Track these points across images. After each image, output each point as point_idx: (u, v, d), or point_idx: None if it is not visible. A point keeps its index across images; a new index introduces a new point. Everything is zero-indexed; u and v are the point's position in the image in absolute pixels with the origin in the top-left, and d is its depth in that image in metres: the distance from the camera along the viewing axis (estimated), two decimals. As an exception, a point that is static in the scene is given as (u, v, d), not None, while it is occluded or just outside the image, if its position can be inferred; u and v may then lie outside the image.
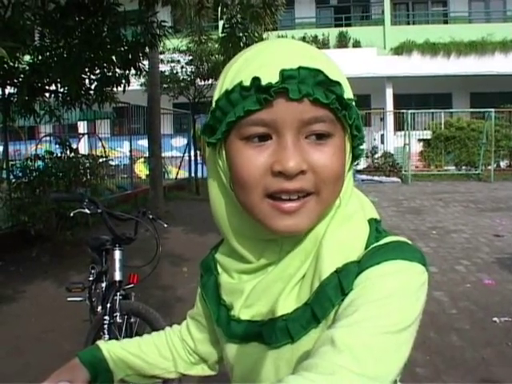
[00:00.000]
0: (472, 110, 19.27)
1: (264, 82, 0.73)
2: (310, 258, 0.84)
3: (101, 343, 1.11)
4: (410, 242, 0.83)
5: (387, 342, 0.69)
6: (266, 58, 0.77)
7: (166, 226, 3.55)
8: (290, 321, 0.82)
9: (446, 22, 22.69)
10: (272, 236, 0.83)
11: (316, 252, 0.83)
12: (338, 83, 0.76)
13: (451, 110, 19.60)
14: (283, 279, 0.84)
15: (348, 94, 0.78)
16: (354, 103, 0.79)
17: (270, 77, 0.74)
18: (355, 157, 0.85)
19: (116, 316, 3.15)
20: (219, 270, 0.97)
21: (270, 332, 0.84)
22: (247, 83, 0.75)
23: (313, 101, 0.74)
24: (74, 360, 1.06)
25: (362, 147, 0.85)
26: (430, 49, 20.34)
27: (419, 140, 18.35)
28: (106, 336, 3.08)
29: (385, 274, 0.76)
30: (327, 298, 0.79)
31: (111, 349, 1.09)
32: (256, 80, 0.74)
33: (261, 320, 0.86)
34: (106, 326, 3.12)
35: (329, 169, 0.77)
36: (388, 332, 0.69)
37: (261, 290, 0.86)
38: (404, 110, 17.63)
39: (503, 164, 18.43)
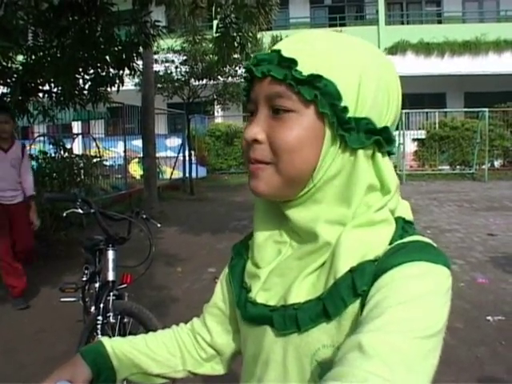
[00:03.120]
0: (466, 109, 19.30)
1: (246, 66, 0.89)
2: (328, 252, 0.84)
3: (105, 339, 1.07)
4: (434, 244, 0.82)
5: (417, 348, 0.68)
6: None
7: (159, 225, 3.54)
8: (300, 310, 0.84)
9: (440, 22, 22.74)
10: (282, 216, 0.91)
11: (334, 247, 0.84)
12: (291, 60, 0.81)
13: (445, 110, 19.62)
14: (298, 268, 0.87)
15: (317, 71, 0.80)
16: (328, 81, 0.80)
17: (251, 61, 0.88)
18: (346, 141, 0.82)
19: (109, 316, 3.14)
20: (249, 255, 1.00)
21: (280, 318, 0.86)
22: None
23: (272, 77, 0.83)
24: (76, 357, 1.02)
25: (352, 132, 0.81)
26: (424, 48, 20.39)
27: (413, 139, 18.37)
28: (100, 336, 3.07)
29: (411, 275, 0.75)
30: (340, 296, 0.80)
31: (116, 346, 1.06)
32: (245, 65, 0.90)
33: (273, 305, 0.89)
34: (99, 327, 3.11)
35: (279, 140, 0.82)
36: (417, 337, 0.68)
37: (277, 274, 0.90)
38: (398, 110, 17.60)
39: (497, 163, 18.46)
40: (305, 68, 0.80)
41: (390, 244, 0.82)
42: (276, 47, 0.85)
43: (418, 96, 20.70)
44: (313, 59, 0.81)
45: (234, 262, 1.04)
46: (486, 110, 16.97)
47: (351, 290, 0.79)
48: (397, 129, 0.88)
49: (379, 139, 0.83)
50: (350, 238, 0.82)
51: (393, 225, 0.85)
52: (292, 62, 0.81)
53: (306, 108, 0.82)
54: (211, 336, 1.11)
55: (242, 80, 14.43)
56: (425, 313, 0.71)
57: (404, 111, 17.07)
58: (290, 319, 0.84)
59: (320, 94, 0.80)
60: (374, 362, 0.65)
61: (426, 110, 18.65)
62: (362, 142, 0.82)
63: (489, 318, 4.71)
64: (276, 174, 0.84)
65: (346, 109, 0.80)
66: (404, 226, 0.85)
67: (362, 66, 0.83)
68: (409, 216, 0.89)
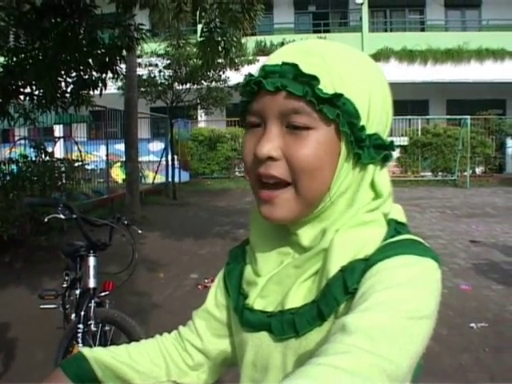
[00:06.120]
0: (448, 116, 19.51)
1: (252, 77, 0.84)
2: (322, 256, 0.85)
3: (86, 351, 1.02)
4: (423, 241, 0.83)
5: (401, 325, 0.67)
6: (269, 58, 0.86)
7: (140, 232, 3.50)
8: (297, 315, 0.84)
9: (422, 30, 22.96)
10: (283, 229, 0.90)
11: (327, 250, 0.84)
12: (313, 77, 0.78)
13: (428, 117, 19.82)
14: (296, 275, 0.87)
15: (335, 89, 0.79)
16: (347, 100, 0.80)
17: (258, 73, 0.83)
18: (360, 157, 0.83)
19: (90, 324, 3.08)
20: (247, 260, 0.99)
21: (278, 324, 0.86)
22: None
23: (288, 93, 0.79)
24: (57, 371, 0.97)
25: (366, 149, 0.82)
26: (408, 56, 20.56)
27: (396, 146, 18.45)
28: (80, 345, 3.01)
29: (397, 265, 0.76)
30: (332, 296, 0.80)
31: (98, 357, 1.00)
32: (248, 76, 0.85)
33: (271, 311, 0.88)
34: (79, 335, 3.04)
35: (298, 159, 0.80)
36: (402, 317, 0.68)
37: (275, 282, 0.89)
38: (381, 117, 17.71)
39: (479, 170, 18.68)
40: (325, 86, 0.79)
41: (382, 244, 0.83)
42: (285, 59, 0.81)
43: (401, 103, 20.81)
44: (329, 76, 0.80)
45: (231, 267, 1.03)
46: (468, 117, 17.19)
47: (343, 288, 0.79)
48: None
49: (388, 153, 0.85)
50: (342, 240, 0.83)
51: (384, 227, 0.85)
52: (313, 79, 0.78)
53: (325, 126, 0.81)
54: (201, 340, 1.06)
55: (226, 85, 14.52)
56: (411, 296, 0.71)
57: (387, 118, 17.14)
58: (288, 324, 0.84)
59: (341, 112, 0.79)
60: (357, 336, 0.65)
61: (408, 117, 18.79)
62: (373, 157, 0.83)
63: (472, 324, 4.71)
64: (295, 197, 0.82)
65: (363, 128, 0.81)
66: (396, 228, 0.86)
67: (370, 82, 0.84)
68: (401, 218, 0.89)
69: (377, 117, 0.83)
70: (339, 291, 0.80)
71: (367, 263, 0.79)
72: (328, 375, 0.60)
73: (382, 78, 0.87)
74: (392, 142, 0.86)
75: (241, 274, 0.99)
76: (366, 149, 0.82)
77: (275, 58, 0.83)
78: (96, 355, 1.01)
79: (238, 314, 0.95)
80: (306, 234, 0.87)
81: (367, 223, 0.84)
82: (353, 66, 0.83)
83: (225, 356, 1.07)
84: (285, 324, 0.85)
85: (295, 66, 0.79)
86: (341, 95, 0.79)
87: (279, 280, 0.88)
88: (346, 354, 0.62)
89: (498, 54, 20.36)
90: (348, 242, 0.82)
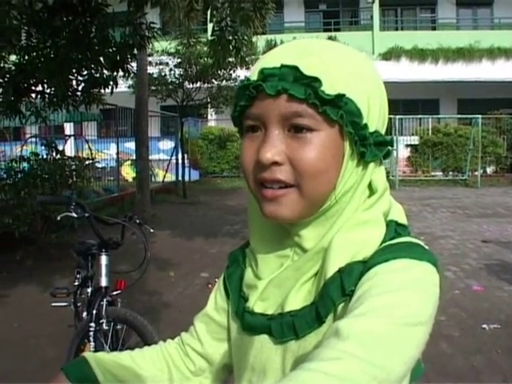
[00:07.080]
0: (459, 116, 19.41)
1: (250, 81, 0.81)
2: (321, 256, 0.85)
3: (88, 355, 1.01)
4: (422, 243, 0.82)
5: (395, 332, 0.67)
6: (265, 60, 0.83)
7: (152, 231, 3.49)
8: (296, 317, 0.83)
9: (434, 29, 22.86)
10: (283, 232, 0.89)
11: (325, 251, 0.84)
12: (315, 79, 0.77)
13: (439, 116, 19.70)
14: (296, 277, 0.86)
15: (336, 89, 0.78)
16: (348, 99, 0.79)
17: (255, 76, 0.81)
18: (364, 156, 0.82)
19: (102, 323, 3.08)
20: (247, 264, 0.99)
21: (278, 326, 0.86)
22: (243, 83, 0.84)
23: (290, 96, 0.77)
24: (59, 375, 0.96)
25: (368, 147, 0.82)
26: (418, 55, 20.48)
27: (407, 145, 18.42)
28: (92, 344, 3.01)
29: (394, 270, 0.75)
30: (329, 297, 0.80)
31: (100, 361, 1.00)
32: (245, 80, 0.83)
33: (271, 314, 0.88)
34: (91, 334, 3.04)
35: (304, 162, 0.79)
36: (396, 323, 0.67)
37: (275, 285, 0.89)
38: (392, 116, 17.62)
39: (490, 170, 18.58)
40: (326, 87, 0.78)
41: (380, 246, 0.82)
42: (283, 61, 0.79)
43: (412, 102, 20.78)
44: (329, 76, 0.79)
45: (231, 271, 1.02)
46: (479, 116, 17.09)
47: (340, 290, 0.79)
48: (390, 134, 0.86)
49: (388, 150, 0.85)
50: (340, 240, 0.83)
51: (383, 227, 0.85)
52: (315, 81, 0.77)
53: (329, 127, 0.80)
54: (202, 344, 1.06)
55: (237, 84, 14.49)
56: (406, 301, 0.70)
57: (397, 117, 17.12)
58: (288, 327, 0.84)
59: (344, 112, 0.79)
60: (349, 342, 0.64)
61: (419, 116, 18.70)
62: (376, 154, 0.83)
63: (484, 326, 4.68)
64: (299, 197, 0.81)
65: (366, 126, 0.81)
66: (397, 229, 0.85)
67: (368, 79, 0.84)
68: (402, 219, 0.89)
69: (376, 114, 0.83)
70: (336, 292, 0.80)
71: (365, 265, 0.79)
72: (318, 381, 0.61)
73: (377, 74, 0.87)
74: (392, 138, 0.86)
75: (241, 277, 0.98)
76: (369, 147, 0.82)
77: (272, 60, 0.81)
78: (98, 359, 1.00)
79: (239, 317, 0.95)
80: (308, 236, 0.86)
81: (366, 223, 0.84)
82: (350, 64, 0.82)
83: (226, 361, 1.06)
84: (285, 326, 0.85)
85: (295, 68, 0.78)
86: (343, 95, 0.78)
87: (279, 283, 0.88)
88: (338, 361, 0.63)
89: (510, 53, 20.24)
90: (347, 243, 0.82)
